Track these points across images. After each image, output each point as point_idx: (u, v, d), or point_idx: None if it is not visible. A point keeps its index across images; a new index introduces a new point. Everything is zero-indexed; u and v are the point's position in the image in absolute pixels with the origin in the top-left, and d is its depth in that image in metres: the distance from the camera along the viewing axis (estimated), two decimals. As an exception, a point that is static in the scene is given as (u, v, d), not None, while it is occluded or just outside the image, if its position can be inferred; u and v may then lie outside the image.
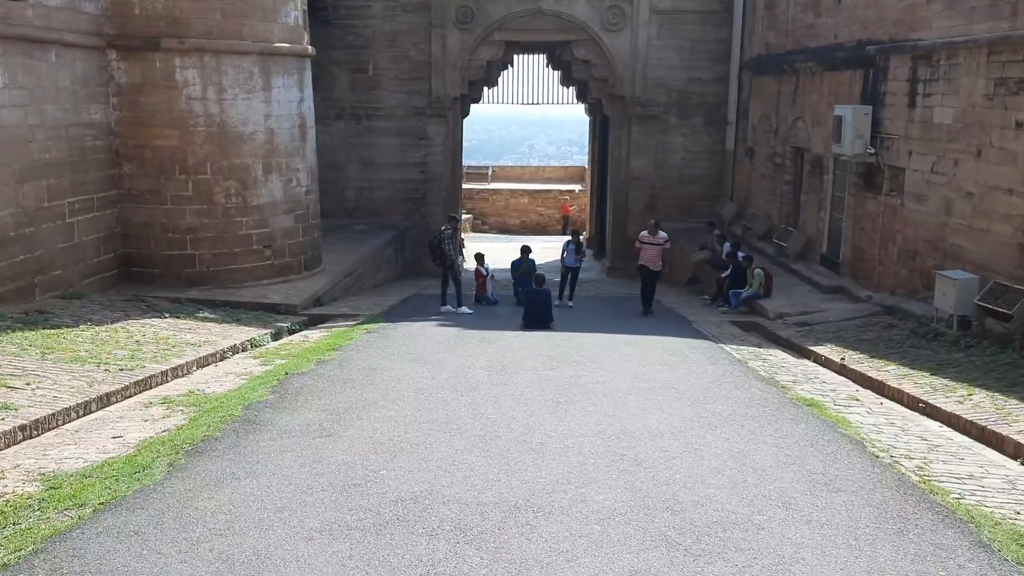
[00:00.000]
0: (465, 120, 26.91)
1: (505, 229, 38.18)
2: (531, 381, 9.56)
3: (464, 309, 15.96)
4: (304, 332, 13.10)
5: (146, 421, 7.77)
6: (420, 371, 9.96)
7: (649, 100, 24.08)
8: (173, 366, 9.90)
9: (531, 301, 14.69)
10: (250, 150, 15.17)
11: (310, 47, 16.54)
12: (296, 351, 11.13)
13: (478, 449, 7.06)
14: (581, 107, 31.14)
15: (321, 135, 23.10)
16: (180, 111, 14.57)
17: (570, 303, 17.45)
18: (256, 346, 11.92)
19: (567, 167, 47.36)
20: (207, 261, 15.07)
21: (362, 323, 13.49)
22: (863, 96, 15.69)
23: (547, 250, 30.76)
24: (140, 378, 9.20)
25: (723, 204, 23.89)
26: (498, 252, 28.85)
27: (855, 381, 10.38)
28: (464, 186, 35.07)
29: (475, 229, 37.18)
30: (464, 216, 34.04)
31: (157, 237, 14.87)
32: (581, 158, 52.50)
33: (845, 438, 7.54)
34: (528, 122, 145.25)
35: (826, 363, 11.51)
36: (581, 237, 19.41)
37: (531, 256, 17.89)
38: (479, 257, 18.22)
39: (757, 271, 15.98)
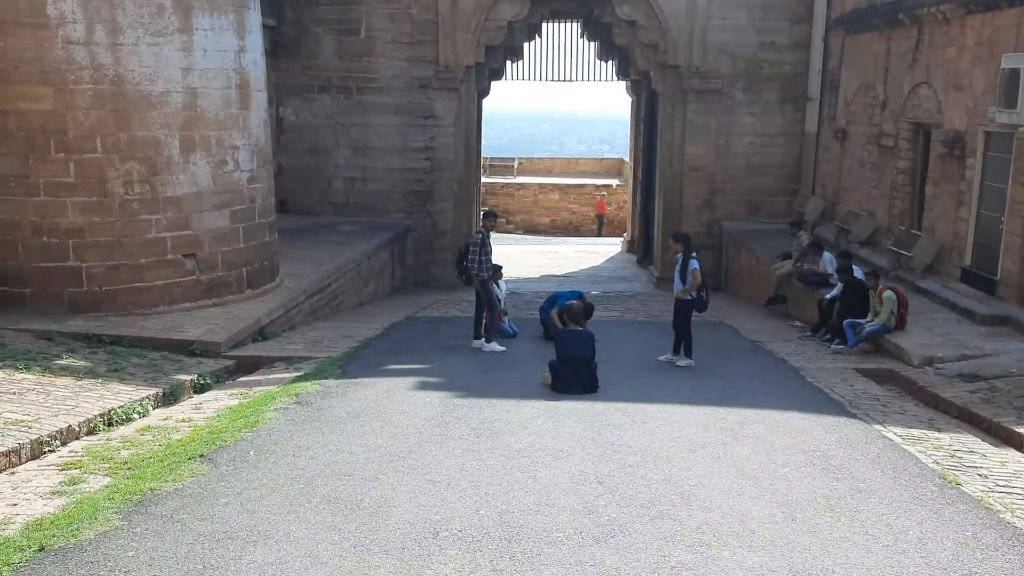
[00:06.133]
0: (489, 106, 22.31)
1: (532, 229, 33.58)
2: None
3: (494, 346, 11.26)
4: (206, 395, 8.45)
5: None
6: (323, 555, 4.80)
7: (709, 71, 19.27)
8: None
9: (567, 354, 9.11)
10: (161, 118, 10.62)
11: (256, -23, 12.00)
12: (141, 455, 6.37)
13: None
14: (622, 86, 26.39)
15: (302, 112, 19.00)
16: (55, 60, 10.07)
17: (686, 361, 10.53)
18: (119, 422, 7.36)
19: (603, 160, 42.68)
20: (100, 277, 10.56)
21: (302, 378, 8.75)
22: (1043, 42, 10.89)
23: (583, 256, 26.12)
24: None
25: (804, 200, 19.04)
26: (524, 257, 24.48)
27: None
28: (486, 180, 30.72)
29: (498, 229, 32.58)
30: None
31: (27, 242, 10.41)
32: (613, 156, 47.99)
33: None
34: (559, 120, 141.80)
35: (1066, 465, 6.77)
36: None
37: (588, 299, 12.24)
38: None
39: (887, 294, 11.15)
